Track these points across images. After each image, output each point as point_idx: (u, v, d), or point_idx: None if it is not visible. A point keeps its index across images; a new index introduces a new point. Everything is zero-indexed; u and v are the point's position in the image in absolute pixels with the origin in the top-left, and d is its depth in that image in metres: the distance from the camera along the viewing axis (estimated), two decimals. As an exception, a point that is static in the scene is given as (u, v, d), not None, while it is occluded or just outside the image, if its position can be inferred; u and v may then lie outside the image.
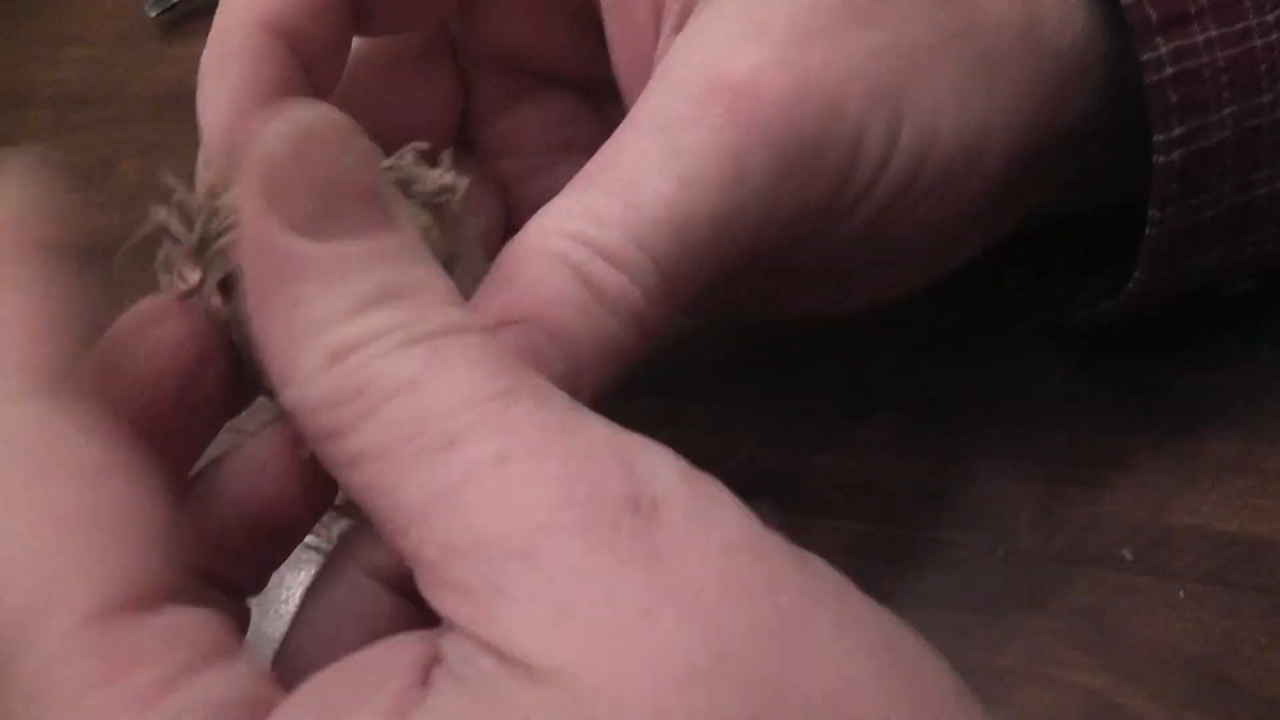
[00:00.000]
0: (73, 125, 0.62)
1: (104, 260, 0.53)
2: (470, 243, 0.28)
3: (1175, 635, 0.33)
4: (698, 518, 0.19)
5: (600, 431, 0.20)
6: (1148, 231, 0.31)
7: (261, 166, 0.21)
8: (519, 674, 0.18)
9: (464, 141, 0.37)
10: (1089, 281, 0.35)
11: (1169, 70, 0.29)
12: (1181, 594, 0.33)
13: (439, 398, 0.20)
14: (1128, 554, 0.34)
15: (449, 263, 0.27)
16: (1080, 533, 0.35)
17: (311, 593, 0.26)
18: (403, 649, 0.20)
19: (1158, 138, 0.30)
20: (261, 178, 0.21)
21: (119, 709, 0.18)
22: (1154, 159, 0.30)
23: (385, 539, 0.20)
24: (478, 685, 0.18)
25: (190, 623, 0.20)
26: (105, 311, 0.51)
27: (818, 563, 0.20)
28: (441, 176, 0.26)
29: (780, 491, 0.38)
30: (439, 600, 0.19)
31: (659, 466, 0.20)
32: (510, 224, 0.37)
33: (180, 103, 0.65)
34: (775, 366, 0.41)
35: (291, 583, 0.42)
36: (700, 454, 0.39)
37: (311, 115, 0.21)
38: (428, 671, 0.19)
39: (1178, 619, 0.33)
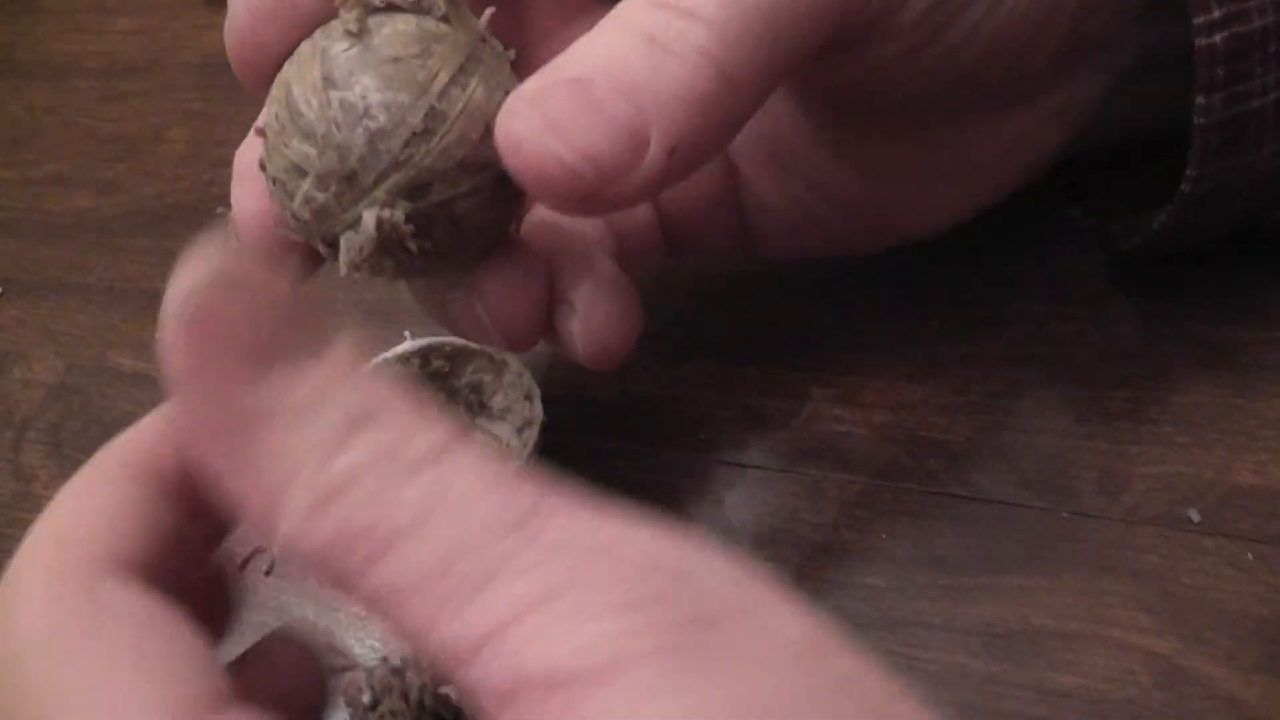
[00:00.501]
0: (120, 95, 0.62)
1: (155, 226, 0.54)
2: (497, 58, 0.28)
3: (1243, 598, 0.32)
4: (759, 628, 0.18)
5: (639, 542, 0.19)
6: (1196, 121, 0.30)
7: (181, 327, 0.20)
8: None
9: None
10: (1145, 216, 0.35)
11: None
12: (1250, 556, 0.33)
13: (456, 530, 0.19)
14: (1194, 515, 0.33)
15: (469, 65, 0.27)
16: (1146, 494, 0.34)
17: None
18: None
19: (1198, 19, 0.29)
20: (185, 337, 0.20)
21: None
22: (1195, 42, 0.29)
23: (416, 647, 0.20)
24: None
25: None
26: (159, 278, 0.51)
27: (871, 660, 0.19)
28: None
29: (842, 455, 0.37)
30: None
31: (708, 575, 0.19)
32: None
33: (226, 71, 0.65)
34: (830, 322, 0.40)
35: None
36: (756, 418, 0.39)
37: (215, 262, 0.20)
38: None
39: (1246, 581, 0.32)
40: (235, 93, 0.61)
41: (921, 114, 0.33)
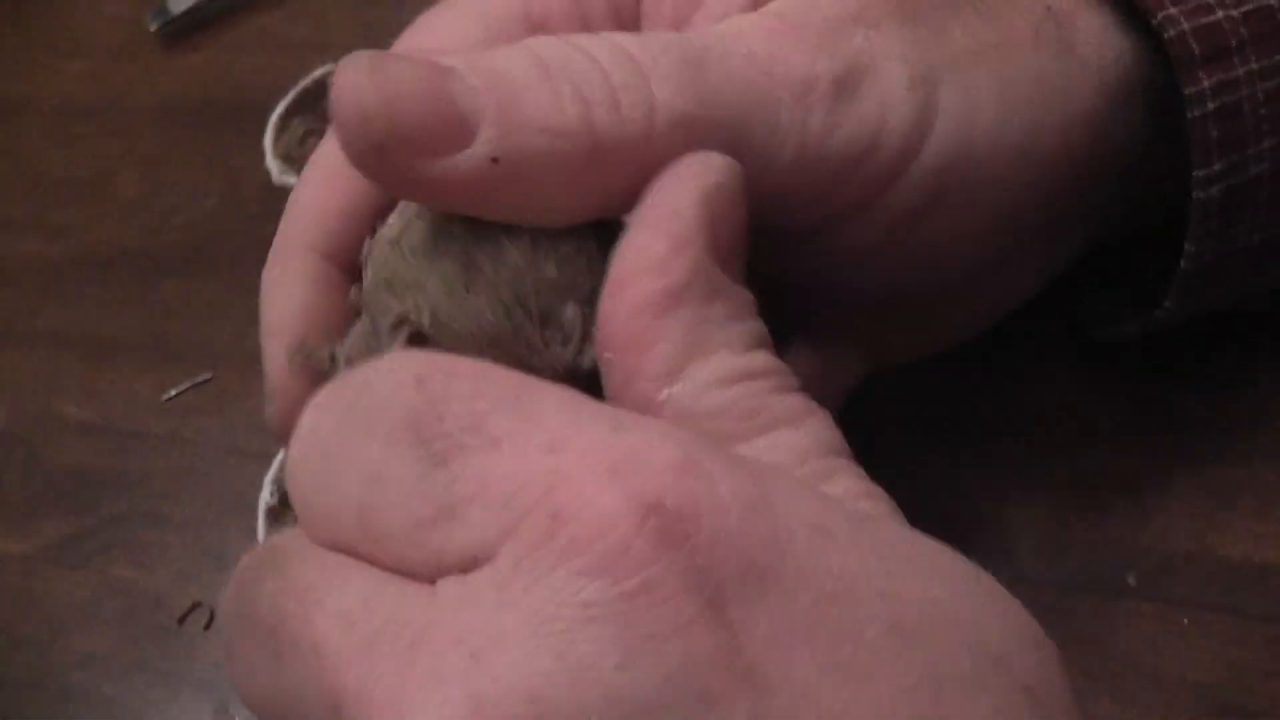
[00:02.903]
0: (73, 137, 0.62)
1: (104, 271, 0.53)
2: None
3: (1180, 662, 0.32)
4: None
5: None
6: (1183, 265, 0.31)
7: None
8: None
9: None
10: (1110, 294, 0.35)
11: (1210, 105, 0.29)
12: (1186, 621, 0.33)
13: (811, 441, 0.23)
14: (1132, 580, 0.34)
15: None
16: (1084, 558, 0.35)
17: None
18: None
19: (1198, 173, 0.29)
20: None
21: None
22: (1193, 194, 0.30)
23: None
24: None
25: None
26: (107, 325, 0.51)
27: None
28: None
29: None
30: None
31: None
32: None
33: (180, 115, 0.66)
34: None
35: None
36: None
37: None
38: None
39: (1183, 646, 0.33)
40: (189, 137, 0.61)
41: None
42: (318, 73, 0.53)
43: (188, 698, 0.41)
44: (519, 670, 0.18)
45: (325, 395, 0.23)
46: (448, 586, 0.20)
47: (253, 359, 0.50)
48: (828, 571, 0.20)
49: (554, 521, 0.19)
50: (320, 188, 0.31)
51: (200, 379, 0.49)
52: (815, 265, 0.30)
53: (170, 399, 0.48)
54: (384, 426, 0.21)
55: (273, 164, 0.51)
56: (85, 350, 0.51)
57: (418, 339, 0.25)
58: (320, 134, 0.50)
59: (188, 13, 0.63)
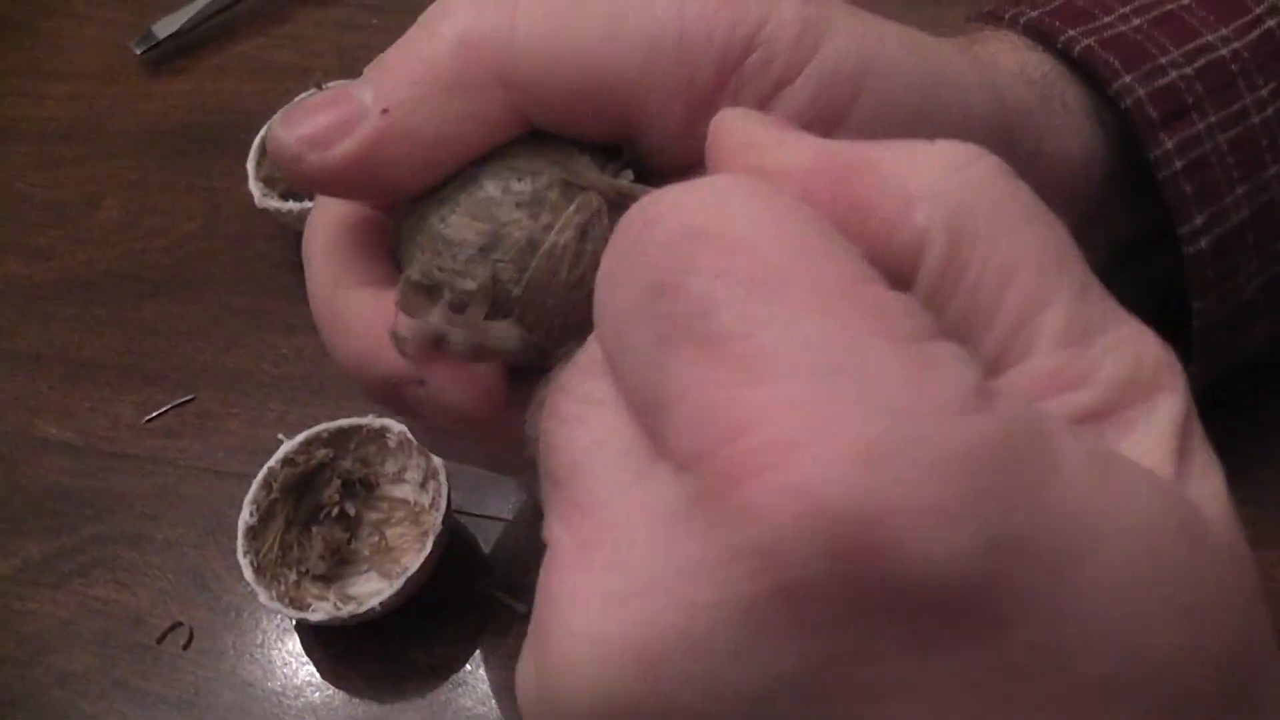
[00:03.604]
0: (56, 161, 0.62)
1: (85, 293, 0.54)
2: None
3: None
4: None
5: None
6: (1195, 324, 0.31)
7: None
8: None
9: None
10: None
11: (1178, 163, 0.30)
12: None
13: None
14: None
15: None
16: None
17: None
18: None
19: (1182, 229, 0.30)
20: None
21: None
22: (1184, 250, 0.30)
23: None
24: None
25: None
26: (87, 346, 0.52)
27: None
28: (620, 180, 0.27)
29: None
30: None
31: None
32: None
33: (163, 139, 0.66)
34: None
35: (268, 626, 0.42)
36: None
37: None
38: None
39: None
40: (172, 161, 0.62)
41: None
42: (300, 97, 0.53)
43: (166, 717, 0.41)
44: (652, 610, 0.17)
45: (643, 203, 0.20)
46: (655, 475, 0.19)
47: (233, 380, 0.50)
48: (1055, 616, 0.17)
49: (724, 480, 0.17)
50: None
51: (181, 400, 0.49)
52: None
53: (151, 420, 0.49)
54: (638, 275, 0.19)
55: (255, 187, 0.51)
56: (66, 371, 0.51)
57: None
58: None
59: (172, 38, 0.64)
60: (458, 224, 0.26)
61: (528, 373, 0.26)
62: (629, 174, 0.27)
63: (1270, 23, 0.32)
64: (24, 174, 0.62)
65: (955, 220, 0.19)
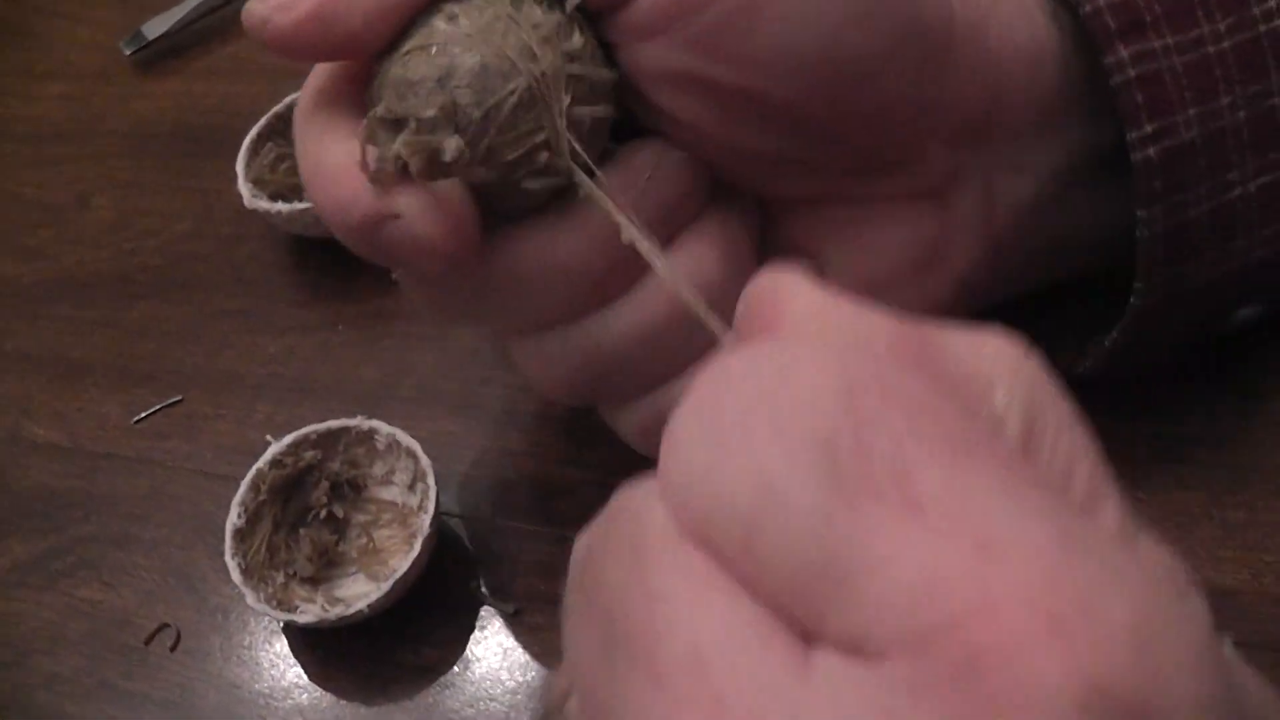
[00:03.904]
0: (47, 160, 0.62)
1: (76, 294, 0.54)
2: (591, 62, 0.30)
3: None
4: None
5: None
6: (1139, 234, 0.32)
7: None
8: None
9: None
10: (1092, 340, 0.36)
11: (1132, 72, 0.31)
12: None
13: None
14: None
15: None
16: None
17: None
18: None
19: (1131, 135, 0.31)
20: None
21: None
22: (1132, 156, 0.31)
23: None
24: None
25: None
26: (78, 347, 0.51)
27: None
28: None
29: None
30: None
31: None
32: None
33: (154, 140, 0.66)
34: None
35: (255, 628, 0.42)
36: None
37: None
38: None
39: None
40: (163, 162, 0.61)
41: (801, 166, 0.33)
42: (290, 98, 0.53)
43: (153, 718, 0.41)
44: None
45: (739, 358, 0.19)
46: (826, 667, 0.16)
47: (222, 381, 0.50)
48: None
49: (972, 663, 0.15)
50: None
51: (170, 401, 0.49)
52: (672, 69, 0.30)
53: (140, 421, 0.48)
54: (796, 430, 0.17)
55: (245, 188, 0.51)
56: (55, 372, 0.51)
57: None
58: (292, 159, 0.50)
59: (162, 38, 0.64)
60: (414, 64, 0.29)
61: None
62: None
63: None
64: (14, 174, 0.62)
65: (1029, 406, 0.18)
